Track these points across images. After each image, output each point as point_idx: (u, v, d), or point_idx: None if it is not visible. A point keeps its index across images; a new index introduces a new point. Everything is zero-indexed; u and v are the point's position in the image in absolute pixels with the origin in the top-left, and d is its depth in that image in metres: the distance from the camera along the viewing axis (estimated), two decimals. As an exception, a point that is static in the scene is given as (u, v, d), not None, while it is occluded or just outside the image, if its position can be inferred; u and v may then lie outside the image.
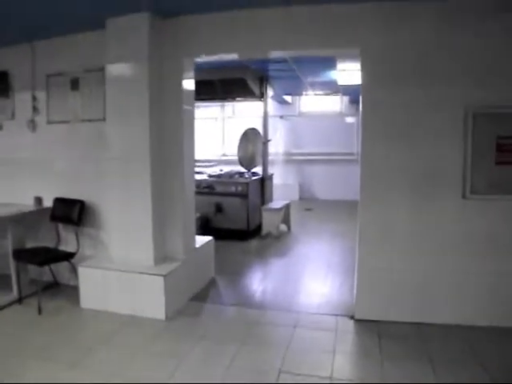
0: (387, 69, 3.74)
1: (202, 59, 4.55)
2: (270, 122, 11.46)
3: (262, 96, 8.03)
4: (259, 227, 7.46)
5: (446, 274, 3.78)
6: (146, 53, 4.04)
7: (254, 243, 7.05)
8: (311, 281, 5.31)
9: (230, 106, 12.68)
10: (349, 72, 7.03)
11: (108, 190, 4.36)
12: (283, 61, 6.51)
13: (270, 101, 10.92)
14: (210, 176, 7.96)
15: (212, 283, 4.99)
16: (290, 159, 12.30)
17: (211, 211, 7.40)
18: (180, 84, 4.31)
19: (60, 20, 4.17)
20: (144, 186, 4.13)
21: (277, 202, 7.97)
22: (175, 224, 4.38)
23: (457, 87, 3.60)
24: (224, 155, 12.54)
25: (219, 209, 7.38)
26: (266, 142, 8.12)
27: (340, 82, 7.73)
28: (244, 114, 11.98)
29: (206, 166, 10.57)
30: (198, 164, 11.44)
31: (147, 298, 4.02)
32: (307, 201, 11.80)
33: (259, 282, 5.23)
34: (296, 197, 12.11)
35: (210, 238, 5.14)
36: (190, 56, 4.34)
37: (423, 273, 3.82)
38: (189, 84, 4.49)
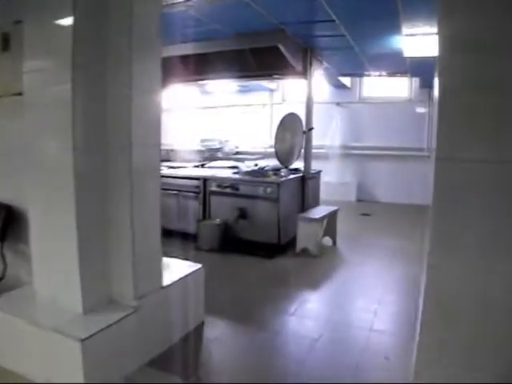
0: (485, 16, 1.90)
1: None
2: (325, 109, 9.80)
3: (305, 73, 6.31)
4: (295, 240, 5.78)
5: None
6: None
7: (283, 263, 5.36)
8: (342, 343, 3.44)
9: (279, 91, 11.08)
10: (418, 38, 5.21)
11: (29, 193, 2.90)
12: (329, 20, 4.81)
13: (324, 85, 9.23)
14: (235, 173, 6.38)
15: (196, 334, 3.38)
16: (347, 153, 10.44)
17: (233, 217, 5.83)
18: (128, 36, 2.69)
19: None
20: (64, 185, 2.59)
21: (319, 209, 6.23)
22: (121, 253, 2.82)
23: None
24: (272, 147, 10.91)
25: (243, 215, 5.80)
26: (307, 130, 6.39)
27: (407, 53, 5.86)
28: (295, 99, 10.29)
29: (247, 159, 9.10)
30: (238, 157, 10.07)
31: (63, 367, 2.51)
32: (365, 204, 9.93)
33: (267, 338, 3.44)
34: (353, 198, 10.32)
35: (196, 266, 3.52)
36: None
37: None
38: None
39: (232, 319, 3.73)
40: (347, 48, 6.01)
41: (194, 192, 6.27)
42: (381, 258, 5.62)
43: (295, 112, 6.44)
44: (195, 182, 6.27)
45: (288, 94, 11.02)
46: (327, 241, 6.14)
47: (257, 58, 6.00)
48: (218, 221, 5.94)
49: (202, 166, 7.68)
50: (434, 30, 4.89)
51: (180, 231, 6.22)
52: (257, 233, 5.74)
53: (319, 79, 7.14)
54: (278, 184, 5.59)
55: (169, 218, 6.45)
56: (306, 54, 6.20)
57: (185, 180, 6.38)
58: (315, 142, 6.82)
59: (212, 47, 5.77)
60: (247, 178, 5.98)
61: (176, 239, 6.12)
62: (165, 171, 6.87)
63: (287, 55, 5.63)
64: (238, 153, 10.71)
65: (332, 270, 5.15)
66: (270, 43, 5.49)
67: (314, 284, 4.67)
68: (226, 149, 10.44)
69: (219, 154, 9.97)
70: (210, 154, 9.71)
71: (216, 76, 6.72)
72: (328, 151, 10.34)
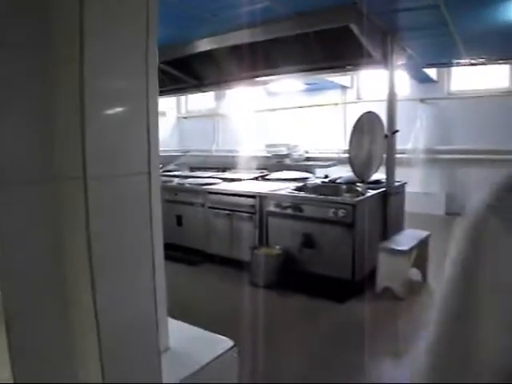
0: None
1: None
2: (407, 107, 8.31)
3: (385, 62, 5.00)
4: (374, 275, 4.50)
5: None
6: None
7: (357, 310, 4.08)
8: None
9: (353, 88, 9.77)
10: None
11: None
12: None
13: (405, 78, 7.84)
14: (299, 188, 5.19)
15: None
16: (433, 158, 8.92)
17: (296, 245, 4.66)
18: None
19: None
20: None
21: (406, 236, 4.88)
22: (87, 344, 1.72)
23: None
24: (346, 152, 9.58)
25: (308, 243, 4.60)
26: (391, 134, 5.07)
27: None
28: (372, 97, 8.96)
29: (318, 166, 7.86)
30: (308, 163, 8.84)
31: None
32: (456, 218, 8.34)
33: None
34: (441, 211, 8.75)
35: (225, 344, 2.33)
36: None
37: None
38: None
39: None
40: (440, 26, 4.63)
41: (248, 212, 5.17)
42: (489, 303, 4.18)
43: (374, 111, 5.14)
44: (250, 201, 5.15)
45: (363, 91, 9.68)
46: (415, 274, 4.79)
47: (324, 44, 4.79)
48: (276, 249, 4.80)
49: (263, 177, 6.55)
50: None
51: (233, 259, 5.20)
52: (325, 266, 4.53)
53: (400, 71, 5.82)
54: (354, 205, 4.34)
55: (220, 244, 5.43)
56: (386, 38, 4.88)
57: (238, 197, 5.29)
58: (396, 146, 5.49)
59: (266, 34, 4.62)
60: (313, 196, 4.78)
61: (228, 269, 5.14)
62: (217, 186, 5.82)
63: (362, 38, 4.37)
64: (308, 159, 9.47)
65: (423, 323, 3.82)
66: (339, 23, 4.26)
67: (402, 348, 3.37)
68: (295, 155, 9.23)
69: (287, 161, 8.78)
70: (277, 161, 8.56)
71: (274, 71, 5.57)
72: (410, 156, 8.88)
